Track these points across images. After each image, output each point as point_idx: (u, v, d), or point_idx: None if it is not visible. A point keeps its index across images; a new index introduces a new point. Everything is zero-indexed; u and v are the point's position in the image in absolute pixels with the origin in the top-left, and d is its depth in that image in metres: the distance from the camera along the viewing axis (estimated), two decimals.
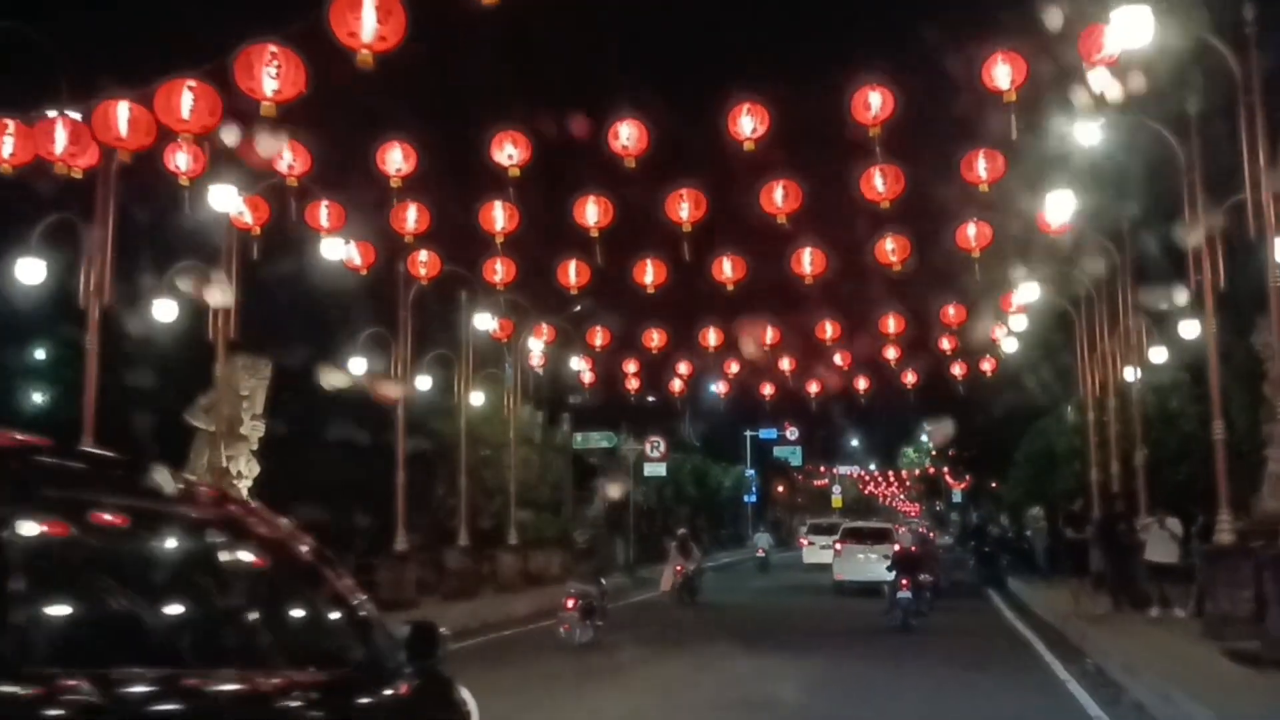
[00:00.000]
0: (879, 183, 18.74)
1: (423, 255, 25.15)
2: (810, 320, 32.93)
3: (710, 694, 15.69)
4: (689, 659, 19.64)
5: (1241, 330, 21.84)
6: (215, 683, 4.07)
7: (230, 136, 16.71)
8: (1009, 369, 39.47)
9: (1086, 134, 18.10)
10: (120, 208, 18.80)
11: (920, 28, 36.06)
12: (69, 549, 3.65)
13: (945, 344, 36.12)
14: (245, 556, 4.68)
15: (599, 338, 35.20)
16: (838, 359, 37.64)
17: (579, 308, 34.57)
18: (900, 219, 21.99)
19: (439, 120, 27.79)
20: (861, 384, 41.75)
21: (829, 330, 32.81)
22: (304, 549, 5.05)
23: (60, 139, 16.35)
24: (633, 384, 40.61)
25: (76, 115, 16.34)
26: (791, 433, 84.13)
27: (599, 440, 46.69)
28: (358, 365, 28.35)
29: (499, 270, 25.11)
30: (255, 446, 24.62)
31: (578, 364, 38.42)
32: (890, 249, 22.95)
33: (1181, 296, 23.45)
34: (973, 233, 22.58)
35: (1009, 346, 36.27)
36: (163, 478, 4.24)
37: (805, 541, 53.07)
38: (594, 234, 20.93)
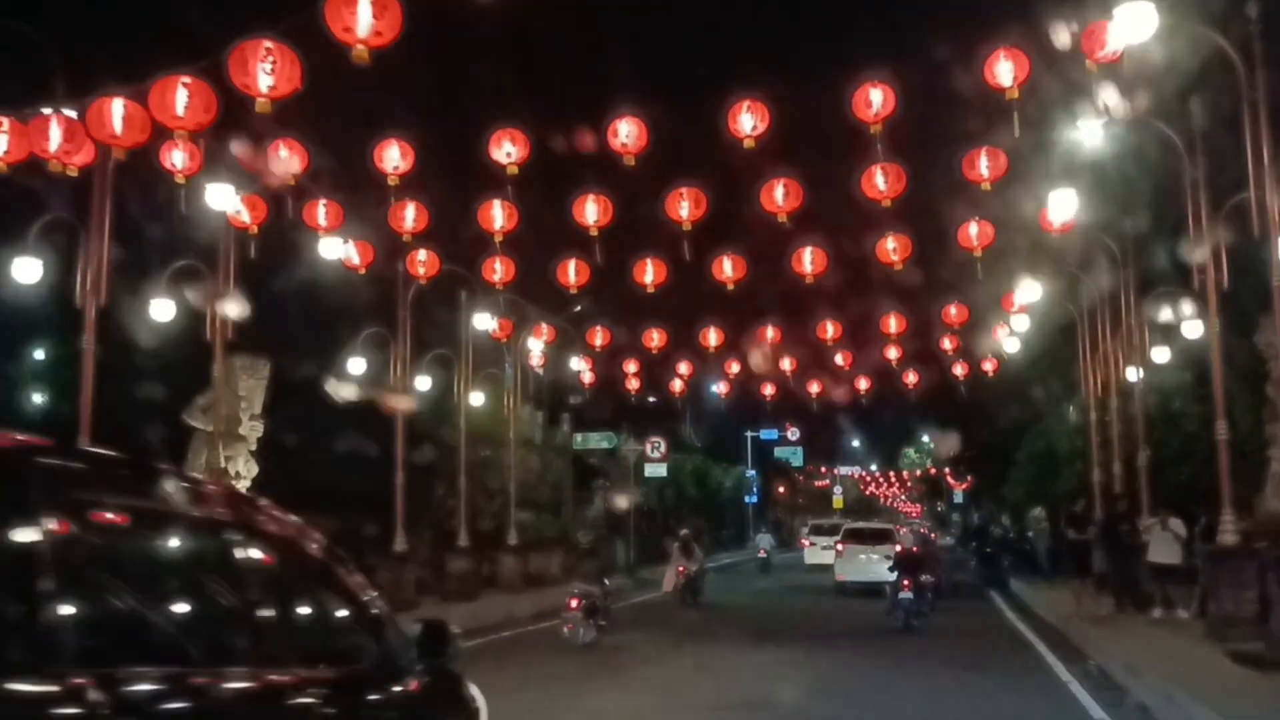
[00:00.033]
0: (880, 181, 18.64)
1: (421, 254, 25.07)
2: (811, 320, 32.83)
3: (711, 695, 15.57)
4: (692, 659, 19.63)
5: (1245, 330, 21.72)
6: (233, 680, 4.14)
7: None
8: (1011, 369, 39.35)
9: (1089, 133, 17.99)
10: (117, 207, 18.69)
11: (922, 24, 35.93)
12: (93, 550, 3.72)
13: (947, 344, 36.04)
14: (261, 556, 4.74)
15: (599, 338, 35.14)
16: (839, 359, 37.51)
17: (579, 308, 34.50)
18: (902, 218, 21.91)
19: (437, 118, 27.75)
20: (863, 384, 41.68)
21: (830, 330, 32.72)
22: (317, 548, 5.16)
23: (55, 136, 16.24)
24: (633, 384, 40.53)
25: (72, 113, 16.22)
26: (793, 433, 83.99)
27: (599, 441, 46.61)
28: (357, 365, 28.26)
29: (498, 269, 25.00)
30: (254, 447, 24.57)
31: (578, 364, 38.33)
32: (891, 248, 22.85)
33: (1186, 308, 23.41)
34: (974, 232, 22.49)
35: (1010, 347, 36.15)
36: (181, 481, 4.36)
37: (807, 542, 53.14)
38: (593, 233, 20.84)
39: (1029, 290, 29.51)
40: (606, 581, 23.16)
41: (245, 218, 20.69)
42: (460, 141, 21.12)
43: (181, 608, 4.20)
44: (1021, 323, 32.80)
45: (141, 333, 22.98)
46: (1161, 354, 27.18)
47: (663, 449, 49.98)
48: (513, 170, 18.58)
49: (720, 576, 43.15)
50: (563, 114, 21.96)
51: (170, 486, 4.27)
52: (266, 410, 24.96)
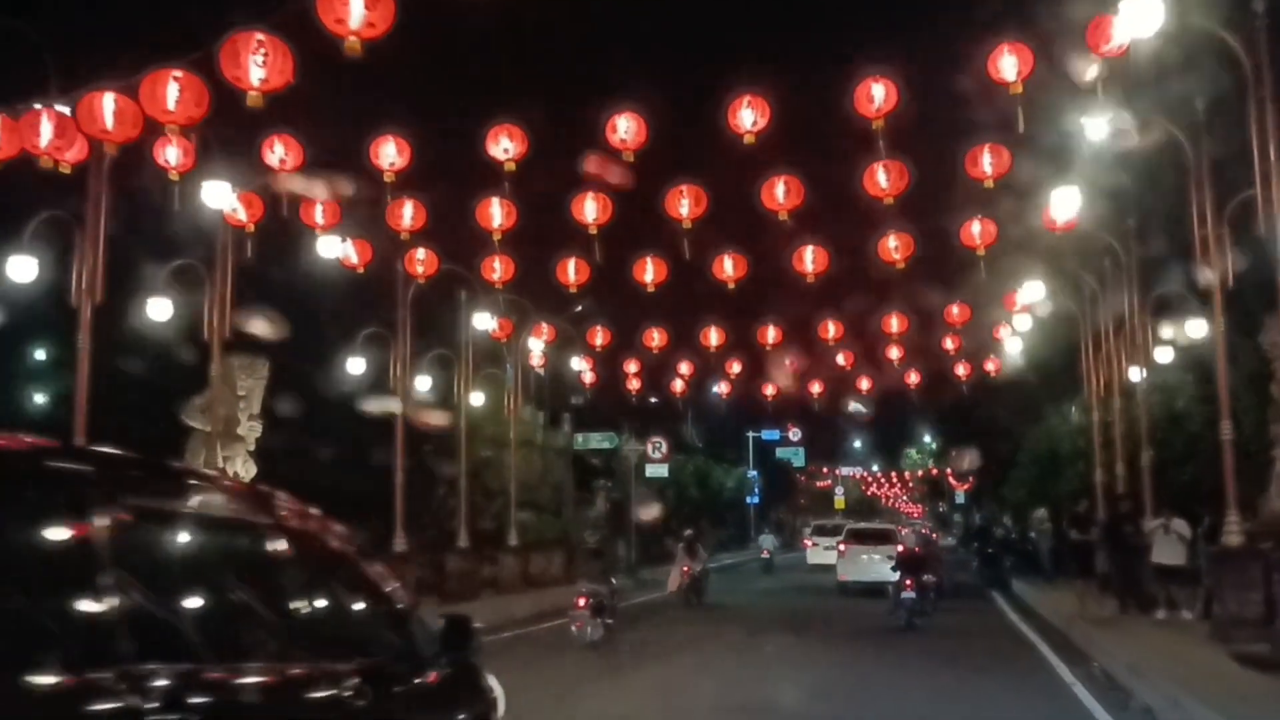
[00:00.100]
0: (882, 179, 18.49)
1: (420, 253, 24.91)
2: (812, 319, 32.69)
3: (714, 696, 15.39)
4: (696, 659, 19.67)
5: (1249, 330, 21.59)
6: (269, 674, 4.32)
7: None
8: (1013, 369, 39.20)
9: (1093, 129, 17.80)
10: (113, 204, 18.54)
11: (924, 19, 35.80)
12: (136, 550, 3.86)
13: (949, 343, 35.89)
14: (292, 553, 4.88)
15: (599, 337, 34.99)
16: (840, 359, 37.37)
17: (579, 307, 34.39)
18: (904, 216, 21.75)
19: (433, 114, 27.60)
20: (864, 384, 41.54)
21: (831, 330, 32.57)
22: (344, 544, 5.37)
23: (45, 132, 16.05)
24: (634, 384, 40.40)
25: (65, 109, 16.05)
26: (794, 434, 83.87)
27: (600, 441, 46.57)
28: (356, 365, 28.14)
29: (497, 268, 24.86)
30: (252, 447, 24.46)
31: (578, 364, 38.21)
32: (893, 246, 22.70)
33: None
34: (977, 230, 22.31)
35: (1013, 346, 36.00)
36: (216, 483, 4.72)
37: (809, 542, 53.47)
38: (593, 231, 20.69)
39: (1032, 290, 29.34)
40: (614, 581, 23.29)
41: (242, 216, 20.53)
42: (457, 137, 20.97)
43: (220, 605, 4.33)
44: (1024, 322, 32.62)
45: (139, 332, 22.84)
46: (1165, 354, 27.04)
47: (664, 449, 49.97)
48: (510, 166, 18.43)
49: (723, 577, 43.04)
50: (561, 109, 21.72)
51: (206, 488, 4.54)
52: (265, 410, 24.87)
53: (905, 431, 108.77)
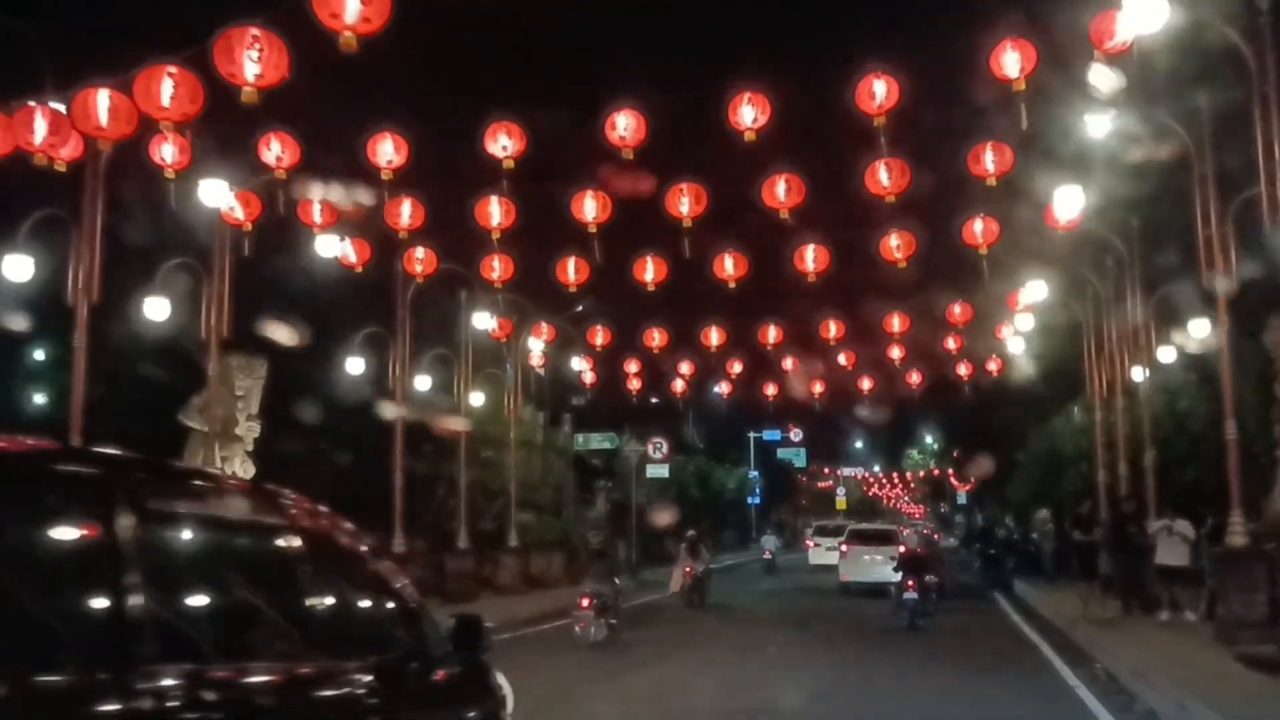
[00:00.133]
0: (884, 177, 18.33)
1: (419, 252, 24.78)
2: (814, 319, 32.55)
3: (717, 698, 15.38)
4: (699, 660, 19.69)
5: (1252, 330, 21.48)
6: (285, 672, 4.47)
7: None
8: (1015, 369, 39.08)
9: (1097, 127, 17.68)
10: (110, 203, 18.42)
11: (926, 15, 35.66)
12: (165, 552, 4.06)
13: (951, 343, 35.76)
14: (311, 554, 5.11)
15: (599, 337, 34.85)
16: (841, 359, 37.24)
17: (580, 307, 34.30)
18: (906, 214, 21.60)
19: (430, 111, 27.41)
20: (865, 384, 41.42)
21: (833, 329, 32.44)
22: (360, 545, 5.51)
23: (40, 129, 15.91)
24: (634, 384, 40.28)
25: (61, 106, 15.92)
26: (795, 434, 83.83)
27: (600, 441, 46.56)
28: (355, 365, 28.02)
29: (496, 268, 24.70)
30: (250, 447, 24.34)
31: (578, 364, 38.09)
32: (895, 245, 22.57)
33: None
34: (979, 229, 22.16)
35: (1015, 346, 35.87)
36: (239, 487, 4.95)
37: (811, 543, 53.65)
38: (592, 230, 20.56)
39: (1034, 289, 29.22)
40: (617, 581, 23.48)
41: (239, 214, 20.40)
42: (455, 136, 20.84)
43: (238, 605, 4.47)
44: (1026, 322, 32.48)
45: (136, 331, 22.72)
46: (1168, 353, 26.91)
47: (665, 450, 49.97)
48: (508, 164, 18.29)
49: (725, 577, 43.10)
50: (559, 106, 21.56)
51: (230, 492, 4.75)
52: (264, 410, 24.76)
53: (907, 432, 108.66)
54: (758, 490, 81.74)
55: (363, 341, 28.17)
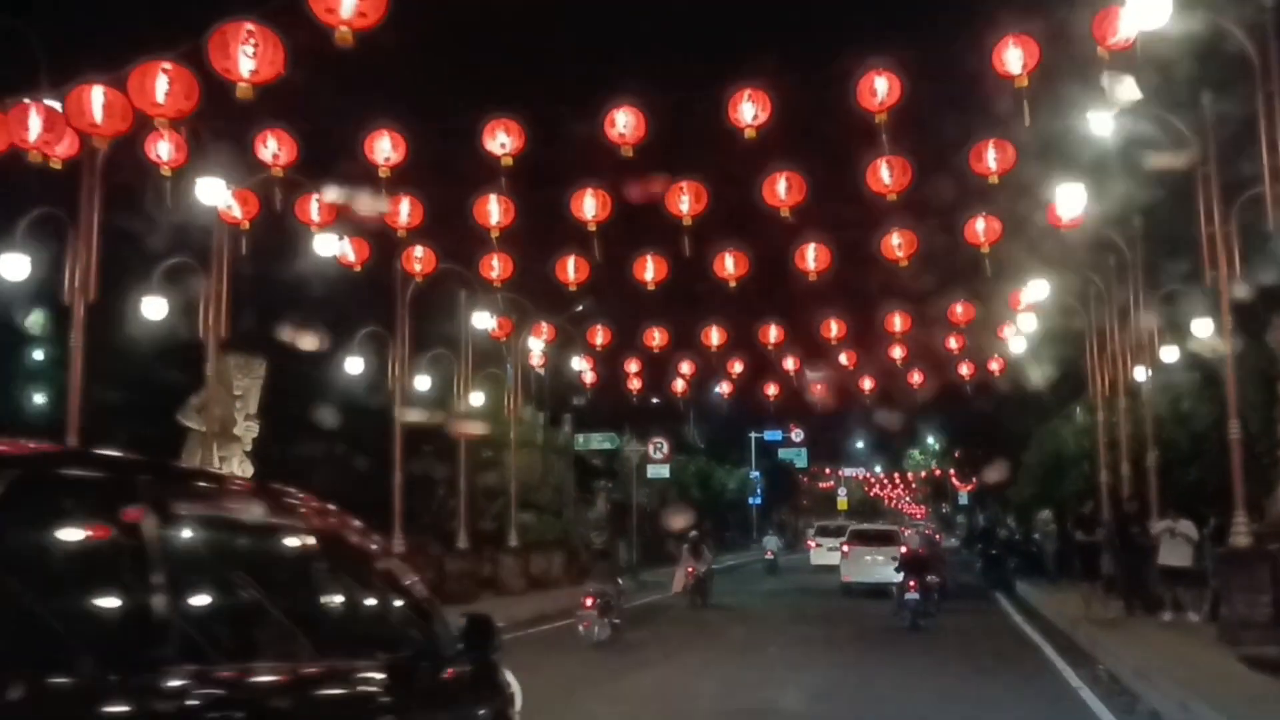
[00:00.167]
0: (885, 174, 18.20)
1: (418, 251, 24.66)
2: (815, 318, 32.44)
3: (720, 699, 15.36)
4: (702, 660, 19.73)
5: (1256, 329, 21.37)
6: (309, 670, 4.60)
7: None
8: (1017, 368, 38.95)
9: (1099, 124, 17.55)
10: (106, 201, 18.30)
11: (928, 11, 35.53)
12: (189, 554, 4.18)
13: (952, 343, 35.64)
14: (329, 556, 5.22)
15: (599, 337, 34.74)
16: (843, 359, 37.13)
17: (581, 307, 34.23)
18: (907, 213, 21.49)
19: (430, 109, 27.30)
20: (867, 384, 41.31)
21: (834, 329, 32.30)
22: (375, 548, 5.77)
23: (34, 126, 15.80)
24: (635, 384, 40.17)
25: (57, 104, 15.80)
26: (796, 434, 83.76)
27: (601, 441, 46.48)
28: (354, 365, 27.92)
29: (495, 266, 24.59)
30: (249, 447, 24.25)
31: (579, 364, 37.99)
32: (896, 244, 22.46)
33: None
34: (981, 227, 22.05)
35: (1017, 346, 35.75)
36: (258, 490, 5.03)
37: (813, 543, 53.74)
38: (592, 228, 20.44)
39: (1037, 289, 29.10)
40: (620, 581, 23.69)
41: (236, 213, 20.29)
42: (453, 133, 20.72)
43: (262, 605, 4.55)
44: (1028, 321, 32.36)
45: (133, 331, 22.62)
46: (1170, 353, 26.81)
47: (665, 450, 49.91)
48: (507, 162, 18.18)
49: (728, 578, 43.19)
50: (558, 102, 21.46)
51: (250, 496, 4.89)
52: (262, 410, 24.67)
53: (909, 433, 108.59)
54: (759, 491, 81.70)
55: (362, 341, 28.05)
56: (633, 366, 39.10)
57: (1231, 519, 19.21)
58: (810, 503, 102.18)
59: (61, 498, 3.83)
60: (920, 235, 22.68)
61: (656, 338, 34.10)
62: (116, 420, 24.90)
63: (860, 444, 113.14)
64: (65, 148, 16.34)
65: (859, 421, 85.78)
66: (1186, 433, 29.05)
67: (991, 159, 18.13)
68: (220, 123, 16.98)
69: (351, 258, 23.20)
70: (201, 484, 4.87)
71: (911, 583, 24.79)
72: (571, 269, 24.83)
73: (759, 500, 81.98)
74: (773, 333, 33.42)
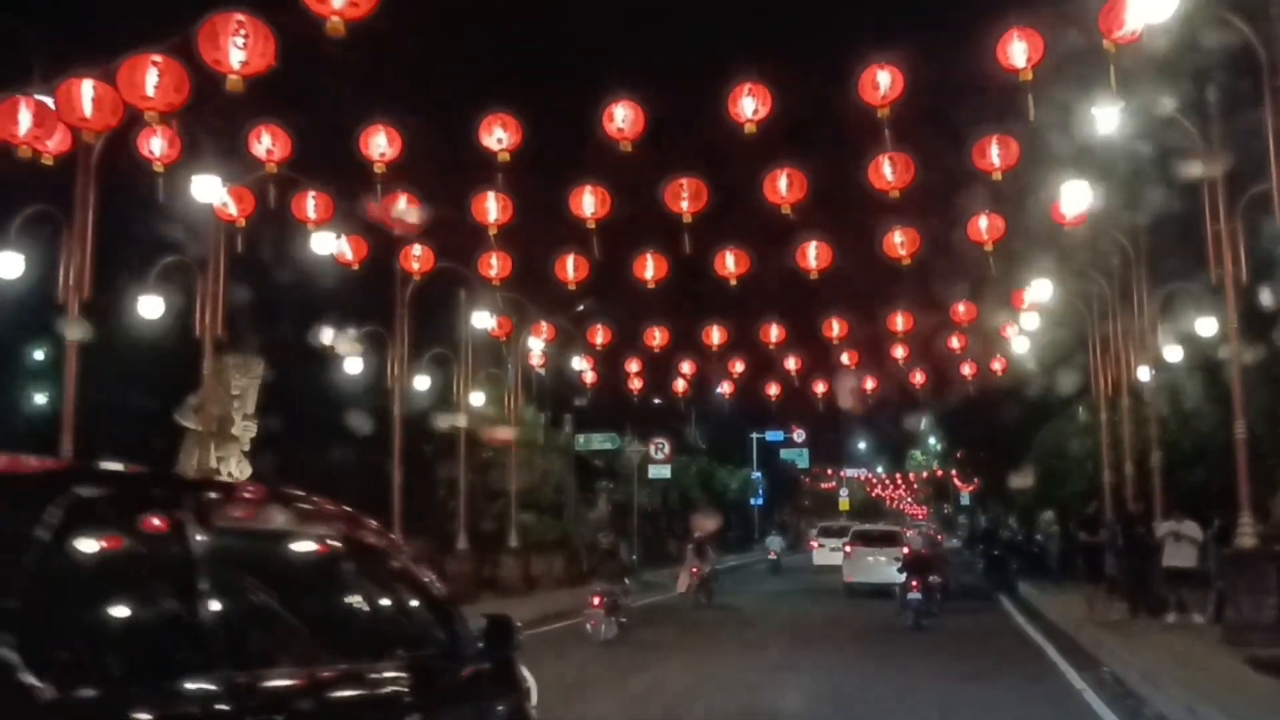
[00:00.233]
0: (888, 171, 18.00)
1: (416, 249, 24.48)
2: (816, 317, 32.26)
3: (724, 700, 15.38)
4: (705, 661, 19.73)
5: (1260, 329, 21.19)
6: (339, 671, 4.77)
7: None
8: (1020, 368, 38.77)
9: (1104, 119, 17.37)
10: (101, 199, 18.10)
11: (931, 3, 35.24)
12: (227, 564, 4.27)
13: (955, 342, 35.45)
14: (357, 561, 5.47)
15: (600, 336, 34.58)
16: (845, 358, 36.95)
17: (581, 307, 34.10)
18: (910, 209, 21.30)
19: (426, 104, 27.07)
20: (869, 384, 41.13)
21: (835, 328, 32.10)
22: (399, 551, 6.05)
23: (24, 121, 15.59)
24: (635, 384, 40.00)
25: (48, 99, 15.60)
26: (798, 435, 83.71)
27: (602, 442, 46.43)
28: (353, 365, 27.76)
29: (494, 265, 24.41)
30: (247, 447, 24.14)
31: (579, 364, 37.82)
32: (899, 242, 22.25)
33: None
34: (984, 225, 21.84)
35: (1020, 346, 35.57)
36: (291, 501, 5.12)
37: (815, 544, 53.97)
38: (591, 226, 20.25)
39: (1040, 287, 28.91)
40: (627, 581, 23.93)
41: (232, 210, 20.10)
42: (450, 129, 20.56)
43: (300, 610, 4.76)
44: (1031, 321, 32.18)
45: (130, 329, 22.48)
46: (1174, 353, 26.61)
47: (666, 450, 49.91)
48: (504, 157, 18.00)
49: (731, 578, 43.33)
50: (556, 97, 21.29)
51: (284, 506, 5.03)
52: (260, 409, 24.52)
53: (910, 432, 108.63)
54: (760, 491, 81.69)
55: (361, 340, 27.88)
56: (633, 366, 38.95)
57: (1236, 520, 19.10)
58: (812, 503, 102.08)
59: (115, 513, 3.99)
60: (923, 233, 22.50)
61: (657, 337, 33.93)
62: (114, 420, 24.82)
63: (862, 445, 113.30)
64: (57, 143, 16.12)
65: (860, 422, 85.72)
66: (1190, 433, 28.88)
67: (995, 155, 17.94)
68: (214, 118, 16.77)
69: (349, 256, 23.05)
70: (237, 497, 5.05)
71: (914, 583, 24.94)
72: (571, 267, 24.64)
73: (761, 501, 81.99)
74: (774, 332, 33.23)
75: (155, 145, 16.58)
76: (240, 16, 13.56)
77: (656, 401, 45.99)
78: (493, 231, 20.83)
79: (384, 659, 5.19)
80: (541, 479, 39.35)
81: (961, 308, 31.60)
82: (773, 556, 51.64)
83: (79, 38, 18.68)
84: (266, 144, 17.77)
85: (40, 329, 28.20)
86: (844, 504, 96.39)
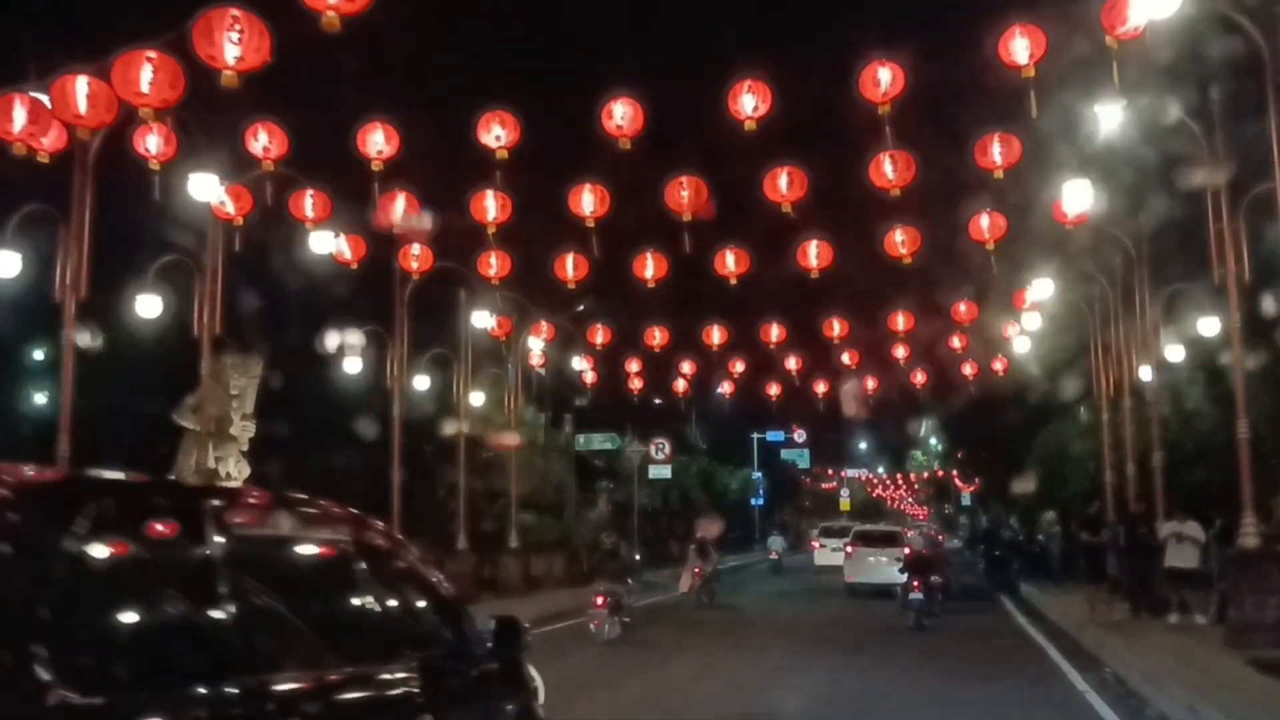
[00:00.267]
0: (889, 169, 17.90)
1: (415, 249, 24.37)
2: (817, 317, 32.14)
3: (724, 698, 15.45)
4: (707, 661, 19.79)
5: (1263, 328, 21.10)
6: (348, 672, 4.86)
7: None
8: (1021, 368, 38.65)
9: (1107, 116, 17.27)
10: (98, 197, 17.98)
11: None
12: (242, 567, 4.33)
13: (956, 342, 35.34)
14: (371, 565, 5.46)
15: (600, 336, 34.49)
16: (845, 358, 36.83)
17: (581, 307, 34.01)
18: (911, 208, 21.20)
19: (424, 101, 26.99)
20: (870, 384, 41.02)
21: (836, 328, 31.97)
22: (410, 555, 6.07)
23: (19, 117, 15.49)
24: (636, 384, 39.90)
25: (43, 97, 15.50)
26: (799, 435, 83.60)
27: (602, 442, 46.35)
28: (353, 365, 27.65)
29: (493, 264, 24.31)
30: (245, 447, 24.04)
31: (579, 364, 37.72)
32: (900, 240, 22.14)
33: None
34: (986, 224, 21.74)
35: (1021, 346, 35.46)
36: (307, 507, 5.27)
37: (817, 544, 53.98)
38: (590, 224, 20.14)
39: (1041, 287, 28.81)
40: (630, 581, 24.16)
41: (230, 209, 20.00)
42: (448, 126, 20.47)
43: (313, 613, 4.87)
44: (1033, 320, 32.08)
45: (128, 329, 22.40)
46: (1176, 353, 26.50)
47: (667, 450, 49.86)
48: (502, 155, 17.93)
49: (732, 578, 43.37)
50: (555, 94, 21.20)
51: (300, 513, 5.18)
52: (259, 409, 24.43)
53: (911, 433, 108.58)
54: (761, 491, 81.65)
55: (366, 337, 27.79)
56: (633, 366, 38.85)
57: (1238, 520, 19.01)
58: (812, 504, 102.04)
59: (139, 523, 4.09)
60: (924, 232, 22.40)
61: (657, 337, 33.86)
62: (113, 421, 24.74)
63: (863, 445, 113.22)
64: (52, 141, 16.03)
65: (861, 422, 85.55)
66: (1192, 433, 28.78)
67: (997, 153, 17.84)
68: (210, 115, 16.69)
69: (348, 255, 22.96)
70: (254, 504, 5.13)
71: (916, 583, 24.99)
72: (570, 266, 24.54)
73: (761, 501, 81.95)
74: (774, 331, 33.11)
75: (151, 143, 16.49)
76: (235, 11, 13.46)
77: (657, 401, 45.90)
78: (491, 230, 20.75)
79: (395, 660, 5.27)
80: (542, 479, 39.25)
81: (963, 307, 31.49)
82: (774, 557, 51.85)
83: (74, 34, 18.58)
84: (263, 141, 17.70)
85: (38, 329, 28.17)
86: (845, 504, 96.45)
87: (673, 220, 20.06)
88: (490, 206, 20.25)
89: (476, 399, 32.57)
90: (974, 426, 64.39)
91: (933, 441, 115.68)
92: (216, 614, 4.10)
